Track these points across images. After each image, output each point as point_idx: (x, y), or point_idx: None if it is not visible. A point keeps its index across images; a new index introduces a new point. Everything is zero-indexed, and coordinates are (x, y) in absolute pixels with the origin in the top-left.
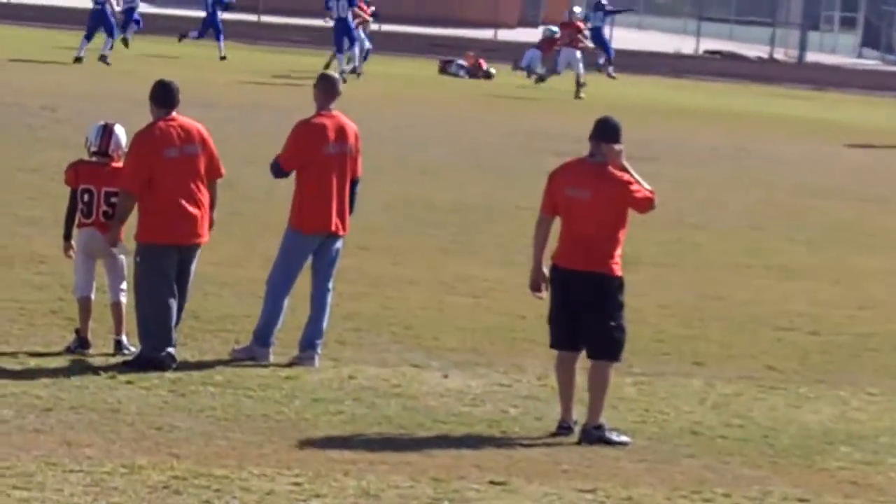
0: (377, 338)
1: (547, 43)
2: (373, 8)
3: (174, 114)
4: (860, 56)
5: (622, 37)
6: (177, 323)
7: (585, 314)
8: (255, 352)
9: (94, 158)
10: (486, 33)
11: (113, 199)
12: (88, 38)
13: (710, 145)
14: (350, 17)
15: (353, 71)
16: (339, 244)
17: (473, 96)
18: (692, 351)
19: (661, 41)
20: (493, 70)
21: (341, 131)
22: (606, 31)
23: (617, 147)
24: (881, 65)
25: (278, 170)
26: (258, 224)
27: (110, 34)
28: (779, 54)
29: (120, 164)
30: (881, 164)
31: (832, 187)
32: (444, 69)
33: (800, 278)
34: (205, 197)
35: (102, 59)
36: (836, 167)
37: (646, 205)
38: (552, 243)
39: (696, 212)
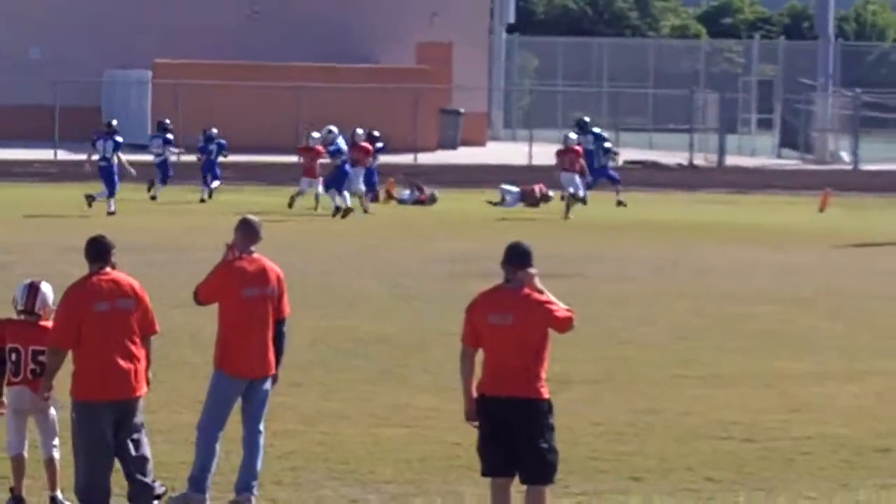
0: (313, 475)
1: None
2: (379, 144)
3: (108, 269)
4: (779, 156)
5: (541, 152)
6: (144, 474)
7: (516, 440)
8: (191, 498)
9: (21, 317)
10: (406, 158)
11: (41, 358)
12: (111, 193)
13: (637, 257)
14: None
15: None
16: (266, 385)
17: (402, 223)
18: (629, 467)
19: None
20: (436, 194)
21: (262, 274)
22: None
23: (531, 270)
24: (801, 164)
25: (196, 299)
26: (188, 367)
27: (111, 192)
28: (699, 160)
29: (48, 323)
30: (803, 264)
31: (758, 292)
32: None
33: (732, 386)
34: (139, 351)
35: (90, 198)
36: (761, 271)
37: (566, 324)
38: (479, 371)
39: (626, 326)
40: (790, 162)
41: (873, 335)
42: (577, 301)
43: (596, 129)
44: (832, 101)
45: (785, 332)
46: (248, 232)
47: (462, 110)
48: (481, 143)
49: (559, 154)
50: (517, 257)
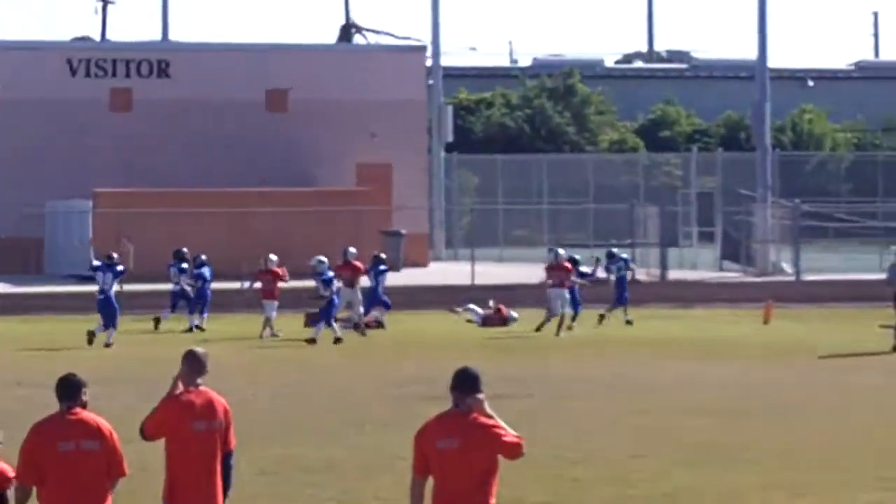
0: None
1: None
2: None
3: (78, 408)
4: (721, 269)
5: (484, 271)
6: None
7: None
8: None
9: None
10: None
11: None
12: (112, 325)
13: (584, 375)
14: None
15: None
16: None
17: (354, 346)
18: None
19: (523, 273)
20: (384, 319)
21: (209, 407)
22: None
23: (479, 396)
24: (743, 276)
25: (143, 434)
26: (137, 501)
27: (110, 324)
28: (641, 274)
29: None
30: (746, 377)
31: (705, 406)
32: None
33: (681, 501)
34: (103, 494)
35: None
36: (708, 385)
37: (514, 450)
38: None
39: (575, 445)
40: (732, 274)
41: (814, 447)
42: (526, 421)
43: (624, 255)
44: (772, 211)
45: (733, 444)
46: (193, 364)
47: (403, 231)
48: (424, 264)
49: (548, 270)
50: (464, 383)
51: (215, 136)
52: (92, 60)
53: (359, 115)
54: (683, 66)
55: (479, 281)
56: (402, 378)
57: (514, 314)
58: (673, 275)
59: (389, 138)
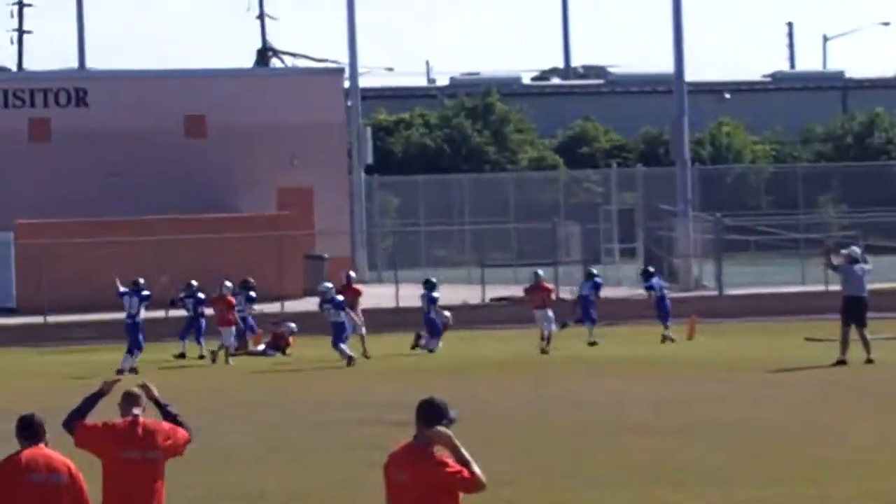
0: None
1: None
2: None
3: (42, 445)
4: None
5: (407, 294)
6: None
7: None
8: None
9: None
10: (273, 306)
11: None
12: (136, 350)
13: (513, 396)
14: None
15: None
16: None
17: (276, 372)
18: None
19: (447, 294)
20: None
21: (147, 436)
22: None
23: (439, 428)
24: (666, 292)
25: (69, 425)
26: None
27: (134, 350)
28: (564, 293)
29: None
30: (677, 394)
31: (635, 425)
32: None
33: None
34: None
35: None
36: (636, 403)
37: (469, 486)
38: None
39: (505, 467)
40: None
41: (752, 464)
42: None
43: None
44: (693, 226)
45: (667, 464)
46: (128, 397)
47: (326, 255)
48: None
49: (528, 291)
50: (426, 414)
51: (135, 164)
52: (9, 91)
53: (278, 139)
54: (600, 81)
55: (403, 304)
56: (334, 403)
57: (447, 314)
58: None
59: (309, 162)
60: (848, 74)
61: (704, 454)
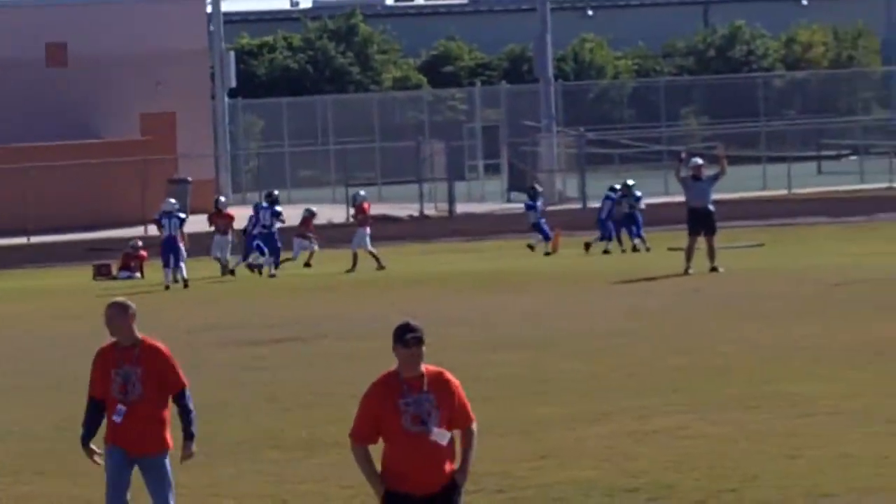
0: None
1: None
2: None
3: None
4: (509, 201)
5: None
6: None
7: None
8: None
9: None
10: (136, 230)
11: None
12: (170, 265)
13: (373, 314)
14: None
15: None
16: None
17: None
18: None
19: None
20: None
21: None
22: None
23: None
24: None
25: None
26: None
27: (171, 262)
28: (430, 210)
29: None
30: (543, 308)
31: (501, 339)
32: (101, 273)
33: (481, 436)
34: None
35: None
36: (502, 318)
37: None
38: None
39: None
40: (520, 205)
41: (619, 374)
42: (321, 363)
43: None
44: (557, 141)
45: (533, 376)
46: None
47: (189, 179)
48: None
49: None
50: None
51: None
52: None
53: (140, 66)
54: (464, 1)
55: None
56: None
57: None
58: (461, 208)
59: (172, 87)
60: None
61: (570, 365)
